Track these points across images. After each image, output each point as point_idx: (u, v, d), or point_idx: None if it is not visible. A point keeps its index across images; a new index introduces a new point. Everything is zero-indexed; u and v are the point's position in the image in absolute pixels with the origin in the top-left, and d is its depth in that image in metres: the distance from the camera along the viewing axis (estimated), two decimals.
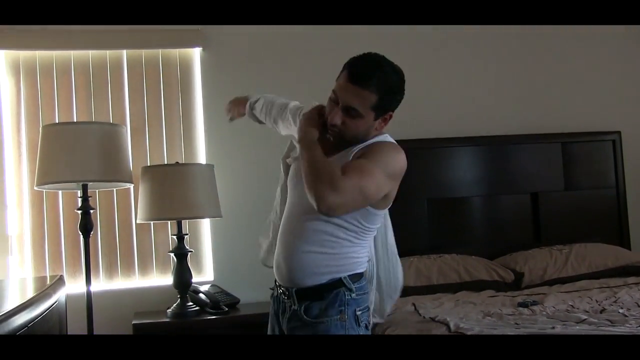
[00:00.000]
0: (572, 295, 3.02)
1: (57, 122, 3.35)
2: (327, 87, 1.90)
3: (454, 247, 3.59)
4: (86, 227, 2.99)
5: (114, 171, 2.95)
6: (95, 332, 2.97)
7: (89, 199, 3.00)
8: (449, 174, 3.80)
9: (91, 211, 3.01)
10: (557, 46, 4.01)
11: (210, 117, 3.56)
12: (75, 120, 3.39)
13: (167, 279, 3.40)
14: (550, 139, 3.88)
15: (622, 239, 3.87)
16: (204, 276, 3.52)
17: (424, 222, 3.68)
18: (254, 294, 3.29)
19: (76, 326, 2.90)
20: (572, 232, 3.75)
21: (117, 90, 3.49)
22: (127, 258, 3.45)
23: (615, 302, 2.82)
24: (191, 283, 3.22)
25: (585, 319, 2.48)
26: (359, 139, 1.90)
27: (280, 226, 2.00)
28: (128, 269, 3.45)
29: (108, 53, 3.48)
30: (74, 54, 3.45)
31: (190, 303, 3.19)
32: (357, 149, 1.88)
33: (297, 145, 1.94)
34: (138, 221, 3.24)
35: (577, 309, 2.73)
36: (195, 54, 3.59)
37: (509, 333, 2.30)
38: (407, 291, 2.75)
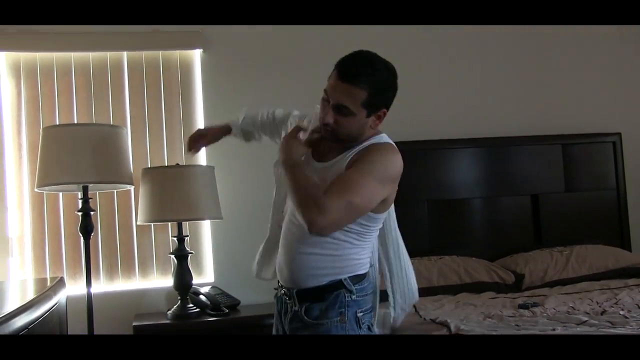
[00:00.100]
0: (573, 296, 3.02)
1: (57, 123, 3.35)
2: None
3: (454, 248, 3.59)
4: (86, 228, 2.99)
5: (115, 173, 2.95)
6: (95, 334, 2.96)
7: (90, 200, 3.00)
8: (450, 176, 3.80)
9: (91, 213, 3.01)
10: (558, 48, 4.01)
11: (210, 118, 3.55)
12: (75, 122, 3.40)
13: (167, 281, 3.40)
14: (551, 141, 3.88)
15: (623, 241, 3.87)
16: (204, 278, 3.52)
17: (424, 224, 3.68)
18: (254, 295, 3.30)
19: (76, 328, 2.90)
20: (573, 234, 3.75)
21: (117, 92, 3.49)
22: (128, 260, 3.45)
23: (616, 303, 2.81)
24: (191, 285, 3.22)
25: (586, 321, 2.48)
26: (353, 137, 1.89)
27: (282, 228, 2.00)
28: (128, 270, 3.45)
29: (108, 55, 3.49)
30: (74, 56, 3.45)
31: (191, 305, 3.19)
32: (352, 153, 1.87)
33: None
34: (138, 223, 3.24)
35: (578, 310, 2.73)
36: (196, 55, 3.59)
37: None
38: None
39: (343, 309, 1.86)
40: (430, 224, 3.70)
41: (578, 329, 2.38)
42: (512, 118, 3.89)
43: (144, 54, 3.53)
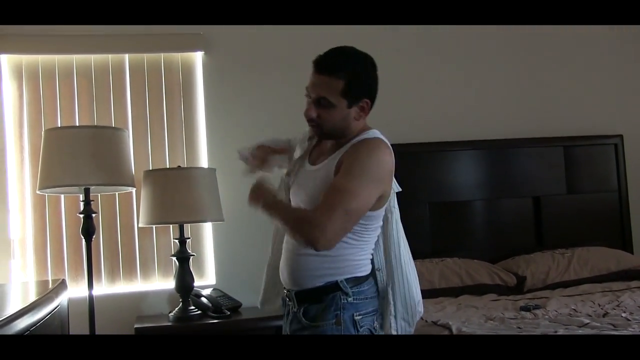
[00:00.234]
0: (575, 299, 3.02)
1: (59, 126, 3.35)
2: None
3: (455, 250, 3.59)
4: (88, 231, 2.99)
5: (116, 175, 2.95)
6: (97, 334, 2.96)
7: (91, 202, 3.00)
8: (451, 178, 3.80)
9: (93, 215, 3.02)
10: (559, 49, 4.01)
11: (212, 120, 3.56)
12: (77, 124, 3.40)
13: (169, 283, 3.40)
14: (553, 143, 3.88)
15: (625, 243, 3.87)
16: (206, 280, 3.52)
17: (425, 226, 3.68)
18: (255, 297, 3.23)
19: (78, 330, 2.90)
20: (575, 236, 3.75)
21: (119, 94, 3.50)
22: (129, 262, 3.45)
23: (617, 306, 2.81)
24: (193, 287, 3.22)
25: (588, 323, 2.48)
26: (340, 131, 1.90)
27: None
28: (130, 272, 3.45)
29: (110, 57, 3.49)
30: (76, 58, 3.45)
31: (192, 307, 3.19)
32: (341, 154, 1.87)
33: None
34: (140, 225, 3.25)
35: (580, 313, 2.72)
36: (197, 58, 3.59)
37: None
38: None
39: (339, 312, 1.86)
40: (431, 226, 3.70)
41: (580, 331, 2.38)
42: (514, 120, 3.89)
43: (146, 56, 3.53)
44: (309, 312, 1.90)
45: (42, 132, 3.07)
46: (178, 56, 3.57)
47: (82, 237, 3.01)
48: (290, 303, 1.96)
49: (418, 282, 2.01)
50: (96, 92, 3.47)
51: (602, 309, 2.78)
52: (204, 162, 3.54)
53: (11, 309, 1.74)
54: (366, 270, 1.93)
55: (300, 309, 1.91)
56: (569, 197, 3.88)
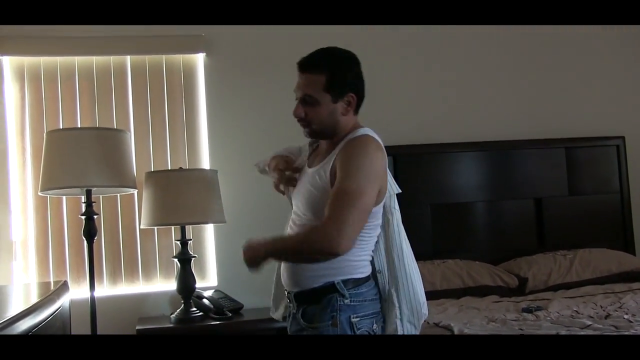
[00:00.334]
0: (577, 300, 3.02)
1: (61, 127, 3.36)
2: None
3: (457, 252, 3.59)
4: (90, 232, 2.99)
5: (118, 177, 2.95)
6: (98, 334, 2.97)
7: (93, 204, 3.00)
8: (453, 179, 3.79)
9: (95, 217, 3.02)
10: (561, 51, 4.01)
11: (213, 122, 3.56)
12: (79, 126, 3.40)
13: (170, 285, 3.40)
14: (554, 144, 3.88)
15: (627, 244, 3.87)
16: (207, 281, 3.52)
17: (427, 227, 3.68)
18: (257, 299, 3.29)
19: (80, 331, 2.91)
20: (576, 238, 3.74)
21: (120, 96, 3.50)
22: (131, 263, 3.45)
23: (620, 307, 2.81)
24: (195, 288, 3.22)
25: (590, 325, 2.48)
26: (330, 128, 1.91)
27: (287, 231, 2.02)
28: (132, 274, 3.45)
29: (112, 59, 3.49)
30: (78, 60, 3.46)
31: (194, 308, 3.19)
32: (335, 154, 1.88)
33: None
34: (142, 226, 3.25)
35: (582, 314, 2.72)
36: (199, 59, 3.59)
37: None
38: None
39: (335, 313, 1.85)
40: (433, 228, 3.69)
41: (582, 333, 2.38)
42: (516, 121, 3.89)
43: (147, 58, 3.53)
44: (307, 313, 1.91)
45: (44, 134, 3.07)
46: (180, 58, 3.57)
47: (84, 238, 3.01)
48: (290, 305, 1.97)
49: (422, 284, 2.00)
50: (98, 94, 3.47)
51: (604, 310, 2.78)
52: (205, 163, 3.55)
53: (13, 310, 1.75)
54: (365, 272, 1.92)
55: (299, 310, 1.92)
56: (571, 199, 3.88)
